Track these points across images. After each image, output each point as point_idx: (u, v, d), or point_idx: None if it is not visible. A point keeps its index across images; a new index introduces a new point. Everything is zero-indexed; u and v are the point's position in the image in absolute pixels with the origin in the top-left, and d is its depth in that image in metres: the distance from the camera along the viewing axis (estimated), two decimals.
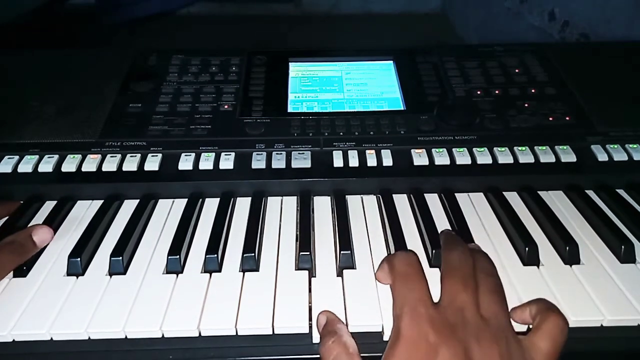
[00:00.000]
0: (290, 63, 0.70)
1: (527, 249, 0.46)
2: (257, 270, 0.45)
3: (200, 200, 0.54)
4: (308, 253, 0.45)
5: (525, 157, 0.55)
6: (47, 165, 0.54)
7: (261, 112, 0.61)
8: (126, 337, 0.39)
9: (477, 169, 0.55)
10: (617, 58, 0.71)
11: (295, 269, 0.45)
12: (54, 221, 0.51)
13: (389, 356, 0.34)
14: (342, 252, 0.45)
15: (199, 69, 0.68)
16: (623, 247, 0.46)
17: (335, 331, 0.37)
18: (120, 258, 0.45)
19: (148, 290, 0.43)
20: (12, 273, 0.45)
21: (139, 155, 0.55)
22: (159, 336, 0.39)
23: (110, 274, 0.45)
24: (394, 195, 0.53)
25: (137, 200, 0.53)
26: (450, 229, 0.50)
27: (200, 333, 0.39)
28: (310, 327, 0.39)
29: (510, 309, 0.39)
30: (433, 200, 0.53)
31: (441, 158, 0.55)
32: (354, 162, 0.55)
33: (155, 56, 0.70)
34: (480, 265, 0.41)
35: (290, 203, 0.53)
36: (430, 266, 0.45)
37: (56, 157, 0.55)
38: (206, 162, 0.55)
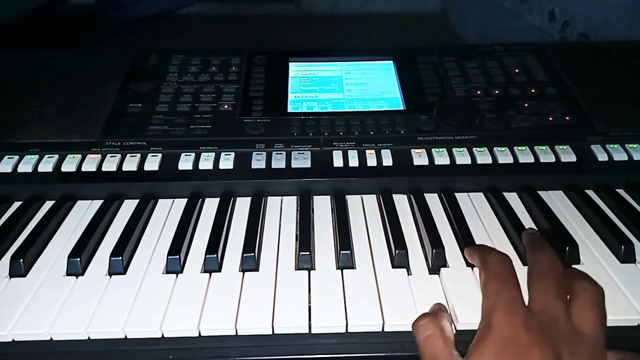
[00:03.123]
0: (290, 63, 0.70)
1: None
2: (257, 270, 0.45)
3: (200, 200, 0.54)
4: (308, 253, 0.45)
5: (525, 157, 0.55)
6: (47, 165, 0.54)
7: (261, 112, 0.61)
8: (126, 337, 0.39)
9: (477, 169, 0.55)
10: (617, 58, 0.71)
11: (295, 269, 0.45)
12: (54, 221, 0.51)
13: (477, 347, 0.34)
14: (342, 252, 0.45)
15: (199, 69, 0.68)
16: (623, 247, 0.46)
17: (435, 313, 0.37)
18: (120, 258, 0.45)
19: (148, 290, 0.43)
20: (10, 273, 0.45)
21: (139, 155, 0.56)
22: (159, 336, 0.39)
23: (110, 273, 0.45)
24: (394, 195, 0.53)
25: (137, 200, 0.53)
26: (452, 229, 0.50)
27: (200, 333, 0.39)
28: (310, 326, 0.39)
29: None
30: (433, 200, 0.53)
31: (441, 158, 0.55)
32: (353, 162, 0.55)
33: (155, 56, 0.70)
34: (581, 276, 0.39)
35: (290, 203, 0.53)
36: (430, 267, 0.45)
37: (56, 157, 0.55)
38: (206, 162, 0.55)
